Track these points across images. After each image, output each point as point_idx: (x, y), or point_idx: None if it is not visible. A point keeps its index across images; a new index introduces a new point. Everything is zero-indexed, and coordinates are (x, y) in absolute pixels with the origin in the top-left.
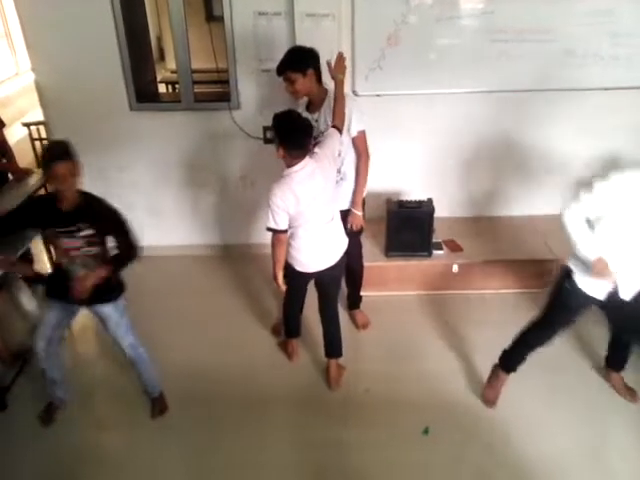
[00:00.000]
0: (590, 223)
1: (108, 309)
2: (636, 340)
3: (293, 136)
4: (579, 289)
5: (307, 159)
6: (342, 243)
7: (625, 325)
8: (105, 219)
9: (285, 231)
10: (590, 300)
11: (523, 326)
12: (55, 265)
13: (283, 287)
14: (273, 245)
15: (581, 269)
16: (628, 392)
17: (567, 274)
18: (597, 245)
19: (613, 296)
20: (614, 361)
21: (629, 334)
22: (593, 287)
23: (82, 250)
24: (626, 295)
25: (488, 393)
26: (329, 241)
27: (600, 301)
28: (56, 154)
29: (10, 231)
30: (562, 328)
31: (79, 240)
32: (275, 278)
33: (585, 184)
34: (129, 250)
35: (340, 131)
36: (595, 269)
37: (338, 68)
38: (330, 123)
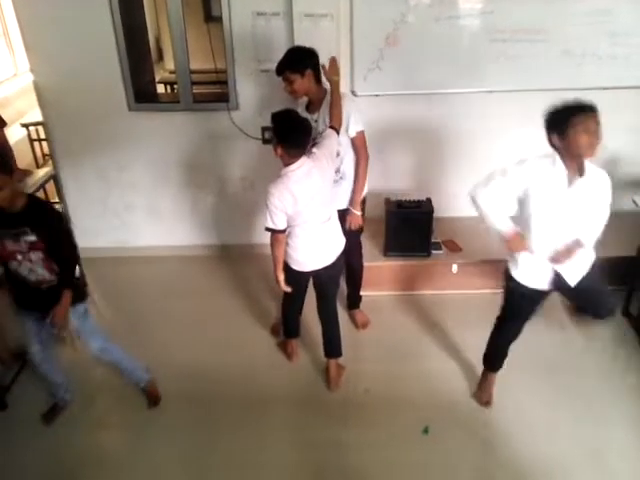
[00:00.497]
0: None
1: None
2: (599, 311)
3: (291, 135)
4: (521, 285)
5: (304, 158)
6: (339, 243)
7: (586, 304)
8: (48, 225)
9: (283, 231)
10: (536, 291)
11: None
12: (6, 271)
13: (287, 288)
14: (272, 245)
15: (516, 265)
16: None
17: (508, 273)
18: (508, 220)
19: (558, 284)
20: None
21: (593, 309)
22: (533, 279)
23: (26, 255)
24: (572, 281)
25: (480, 395)
26: (326, 240)
27: (545, 292)
28: None
29: None
30: (524, 321)
31: (22, 244)
32: (277, 279)
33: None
34: (71, 255)
35: (337, 132)
36: (509, 244)
37: (332, 70)
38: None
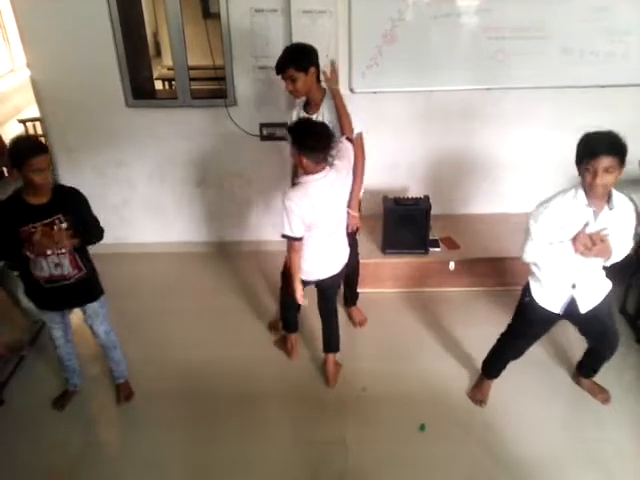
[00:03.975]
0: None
1: (94, 305)
2: (603, 347)
3: (313, 143)
4: (537, 303)
5: (328, 169)
6: (345, 253)
7: (590, 335)
8: (78, 206)
9: (301, 239)
10: (548, 314)
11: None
12: (26, 273)
13: (304, 302)
14: (289, 253)
15: (538, 284)
16: (600, 393)
17: (527, 289)
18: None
19: (570, 309)
20: (585, 368)
21: (596, 343)
22: (549, 301)
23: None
24: (583, 308)
25: (474, 394)
26: (333, 251)
27: (558, 315)
28: (33, 148)
29: (11, 249)
30: (531, 340)
31: (55, 235)
32: (294, 292)
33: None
34: (98, 232)
35: (352, 141)
36: (578, 245)
37: (333, 77)
38: (329, 124)
